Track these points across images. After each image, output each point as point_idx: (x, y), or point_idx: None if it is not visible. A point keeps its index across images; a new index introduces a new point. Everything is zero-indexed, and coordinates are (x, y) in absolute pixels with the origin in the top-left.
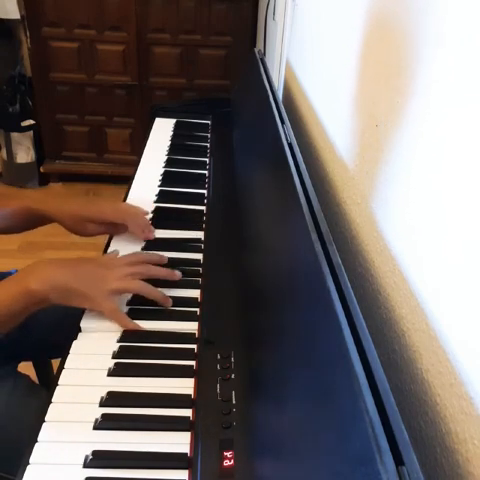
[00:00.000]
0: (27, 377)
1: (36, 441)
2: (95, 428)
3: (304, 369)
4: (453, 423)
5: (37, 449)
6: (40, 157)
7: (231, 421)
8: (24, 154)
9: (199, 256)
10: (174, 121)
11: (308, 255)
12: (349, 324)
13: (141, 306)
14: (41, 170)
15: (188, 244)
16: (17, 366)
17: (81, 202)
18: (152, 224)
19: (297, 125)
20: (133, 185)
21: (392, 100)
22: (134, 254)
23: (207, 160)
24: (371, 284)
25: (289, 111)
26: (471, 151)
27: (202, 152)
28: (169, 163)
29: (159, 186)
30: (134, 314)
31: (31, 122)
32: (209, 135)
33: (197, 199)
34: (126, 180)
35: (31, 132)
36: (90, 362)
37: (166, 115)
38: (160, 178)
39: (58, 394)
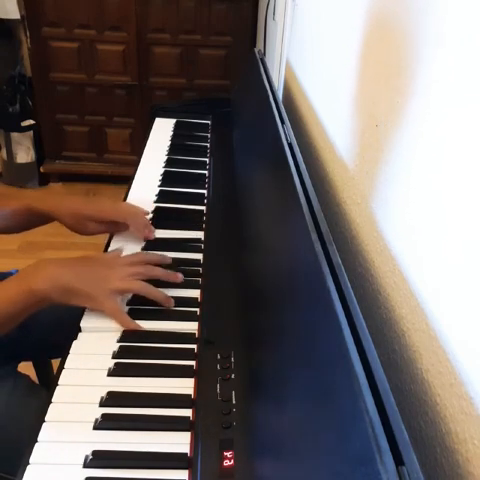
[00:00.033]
0: (27, 377)
1: (36, 441)
2: (95, 428)
3: (304, 369)
4: (453, 423)
5: (37, 449)
6: (40, 157)
7: (231, 421)
8: (24, 154)
9: (199, 256)
10: (174, 121)
11: (308, 255)
12: (349, 324)
13: (141, 306)
14: (41, 170)
15: (188, 244)
16: (17, 366)
17: (81, 200)
18: (152, 224)
19: (297, 125)
20: (133, 185)
21: (392, 100)
22: (137, 254)
23: (207, 160)
24: (371, 284)
25: (289, 111)
26: (471, 151)
27: (202, 152)
28: (169, 163)
29: (159, 186)
30: (134, 314)
31: (31, 122)
32: (209, 135)
33: (197, 199)
34: (126, 180)
35: (31, 132)
36: (90, 362)
37: (166, 115)
38: (160, 178)
39: (58, 394)
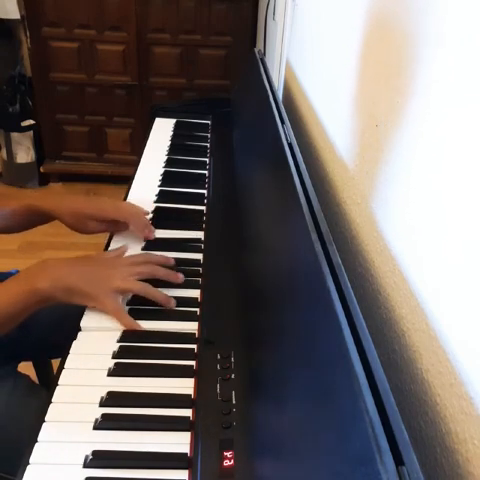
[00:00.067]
0: (27, 377)
1: (36, 441)
2: (95, 428)
3: (304, 369)
4: (453, 423)
5: (37, 449)
6: (40, 157)
7: (231, 421)
8: (24, 154)
9: (199, 256)
10: (174, 121)
11: (308, 255)
12: (349, 324)
13: (141, 306)
14: (41, 170)
15: (188, 244)
16: (17, 366)
17: (82, 199)
18: (152, 224)
19: (297, 125)
20: (133, 185)
21: (392, 100)
22: (140, 255)
23: (207, 160)
24: (371, 284)
25: (289, 111)
26: (471, 151)
27: (202, 152)
28: (169, 163)
29: (159, 186)
30: (134, 314)
31: (31, 122)
32: (209, 135)
33: (197, 199)
34: (126, 180)
35: (31, 132)
36: (90, 362)
37: (166, 115)
38: (160, 178)
39: (58, 394)
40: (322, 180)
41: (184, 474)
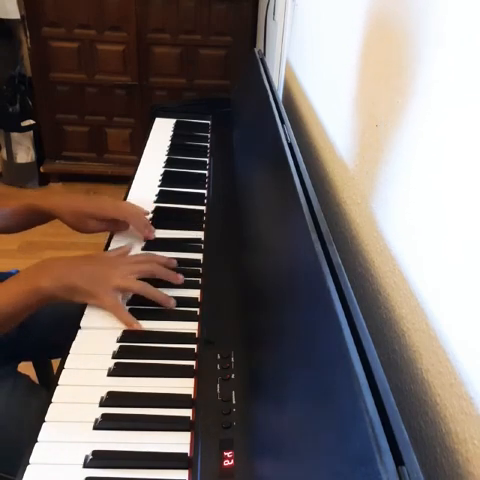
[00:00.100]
0: (27, 377)
1: (36, 441)
2: (95, 428)
3: (304, 369)
4: (453, 423)
5: (37, 449)
6: (40, 157)
7: (231, 421)
8: (24, 154)
9: (199, 256)
10: (174, 121)
11: (308, 255)
12: (349, 324)
13: (141, 306)
14: (41, 170)
15: (188, 244)
16: (17, 366)
17: (82, 198)
18: (152, 224)
19: (297, 125)
20: (133, 185)
21: (392, 100)
22: (143, 254)
23: (207, 160)
24: (371, 284)
25: (289, 111)
26: (471, 151)
27: (202, 152)
28: (169, 163)
29: (159, 186)
30: (134, 314)
31: (31, 122)
32: (209, 135)
33: (197, 199)
34: (126, 180)
35: (31, 132)
36: (90, 362)
37: (166, 115)
38: (160, 178)
39: (58, 394)
40: (322, 180)
41: (184, 474)
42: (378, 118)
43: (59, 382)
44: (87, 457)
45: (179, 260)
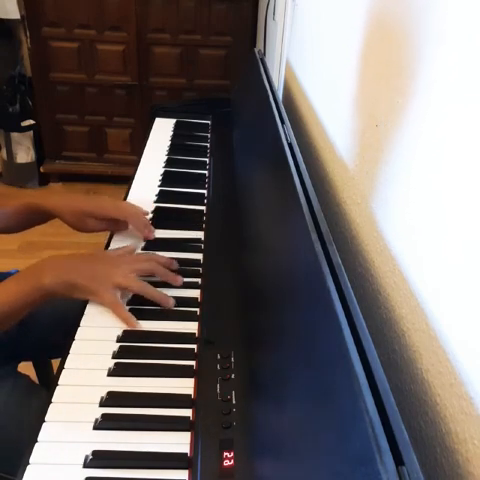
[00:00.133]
0: (27, 377)
1: (36, 441)
2: (95, 428)
3: (304, 369)
4: (453, 423)
5: (37, 449)
6: (40, 157)
7: (231, 421)
8: (24, 154)
9: (199, 256)
10: (174, 121)
11: (308, 255)
12: (349, 324)
13: (141, 306)
14: (41, 170)
15: (188, 244)
16: (17, 366)
17: (82, 198)
18: (152, 224)
19: (297, 125)
20: (133, 185)
21: (392, 100)
22: (144, 254)
23: (207, 160)
24: (371, 284)
25: (289, 111)
26: (471, 151)
27: (202, 152)
28: (169, 163)
29: (159, 186)
30: (134, 314)
31: (31, 122)
32: (209, 135)
33: (197, 199)
34: (126, 180)
35: (31, 132)
36: (90, 362)
37: (166, 115)
38: (160, 178)
39: (58, 394)
40: (322, 180)
41: (184, 474)
42: (378, 118)
43: (59, 382)
44: (87, 457)
45: (179, 260)
